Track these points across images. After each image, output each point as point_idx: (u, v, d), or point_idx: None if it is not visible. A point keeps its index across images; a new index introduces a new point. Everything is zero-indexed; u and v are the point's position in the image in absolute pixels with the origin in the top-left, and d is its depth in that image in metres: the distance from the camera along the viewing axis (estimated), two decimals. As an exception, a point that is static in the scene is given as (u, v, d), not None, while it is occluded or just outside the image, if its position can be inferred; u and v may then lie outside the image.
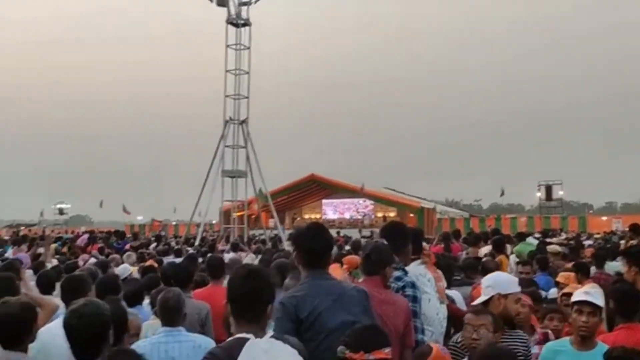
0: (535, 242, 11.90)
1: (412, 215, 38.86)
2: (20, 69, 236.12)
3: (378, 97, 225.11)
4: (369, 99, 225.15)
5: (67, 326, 2.42)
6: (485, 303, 3.29)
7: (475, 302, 3.44)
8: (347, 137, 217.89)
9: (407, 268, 3.79)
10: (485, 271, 6.11)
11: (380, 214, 41.26)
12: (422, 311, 3.67)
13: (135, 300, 4.59)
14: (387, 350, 2.27)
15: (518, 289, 3.42)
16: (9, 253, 10.78)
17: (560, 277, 5.59)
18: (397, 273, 3.57)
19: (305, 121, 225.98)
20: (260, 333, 2.20)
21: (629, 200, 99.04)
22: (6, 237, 22.39)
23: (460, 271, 6.14)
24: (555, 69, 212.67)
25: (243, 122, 22.09)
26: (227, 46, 22.41)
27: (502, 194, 42.64)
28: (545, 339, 3.67)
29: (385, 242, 3.54)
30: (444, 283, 4.18)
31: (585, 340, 3.22)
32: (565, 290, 4.65)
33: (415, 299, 3.47)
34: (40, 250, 8.11)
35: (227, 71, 22.38)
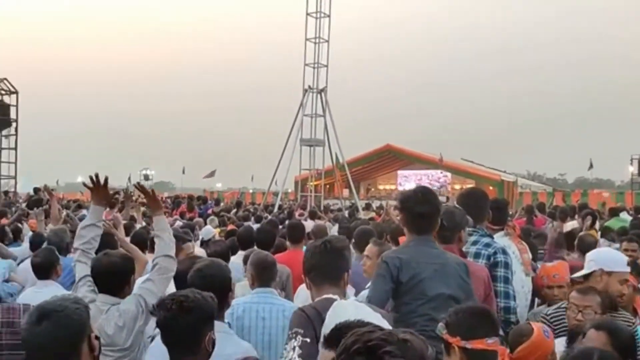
0: (629, 218, 11.29)
1: (491, 188, 37.71)
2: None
3: (459, 65, 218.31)
4: (448, 67, 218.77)
5: (191, 284, 2.59)
6: (586, 278, 3.12)
7: (576, 275, 3.26)
8: (425, 107, 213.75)
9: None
10: (583, 246, 5.88)
11: (457, 186, 40.40)
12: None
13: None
14: (492, 341, 2.09)
15: (626, 268, 3.19)
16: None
17: None
18: (485, 239, 3.51)
19: (384, 90, 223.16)
20: (342, 297, 2.33)
21: None
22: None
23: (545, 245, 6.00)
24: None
25: (322, 91, 22.06)
26: (308, 14, 22.34)
27: (591, 166, 40.27)
28: None
29: (457, 206, 3.46)
30: (529, 255, 4.07)
31: None
32: None
33: (507, 265, 3.41)
34: (132, 213, 8.55)
35: (307, 39, 22.38)
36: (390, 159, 41.61)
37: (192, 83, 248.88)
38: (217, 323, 2.27)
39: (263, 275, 3.52)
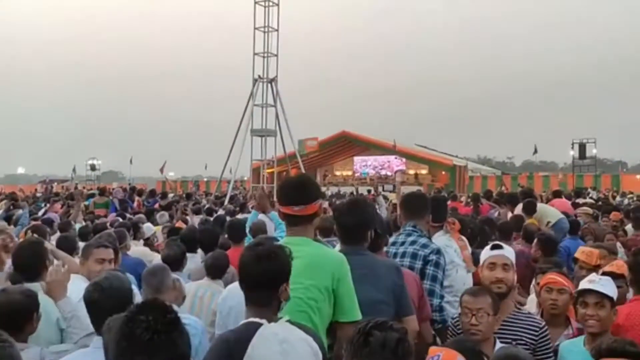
0: (568, 202, 11.72)
1: (444, 173, 38.51)
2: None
3: (409, 50, 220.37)
4: (401, 53, 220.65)
5: (88, 300, 2.43)
6: None
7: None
8: (380, 93, 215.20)
9: (432, 239, 3.76)
10: (527, 234, 6.04)
11: (412, 172, 40.99)
12: (450, 282, 3.70)
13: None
14: None
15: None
16: (43, 210, 11.11)
17: (580, 253, 4.34)
18: (422, 240, 3.55)
19: (338, 77, 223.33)
20: (273, 317, 2.11)
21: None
22: (39, 194, 23.11)
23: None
24: (591, 28, 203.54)
25: (272, 80, 21.91)
26: (256, 2, 22.05)
27: (535, 151, 41.68)
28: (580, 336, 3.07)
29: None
30: (469, 251, 4.13)
31: (595, 338, 2.71)
32: (607, 268, 3.70)
33: (437, 265, 3.44)
34: (73, 210, 8.28)
35: (255, 28, 22.12)
36: (346, 145, 41.73)
37: (139, 69, 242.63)
38: None
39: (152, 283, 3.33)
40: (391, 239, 3.80)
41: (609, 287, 2.87)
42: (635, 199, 18.23)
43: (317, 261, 2.58)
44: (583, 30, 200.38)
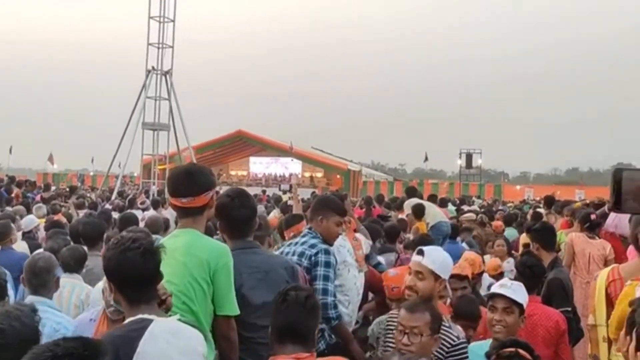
0: (453, 208, 12.34)
1: (338, 176, 39.30)
2: None
3: (309, 59, 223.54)
4: (300, 58, 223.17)
5: None
6: None
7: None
8: (279, 95, 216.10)
9: None
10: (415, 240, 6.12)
11: (307, 174, 41.43)
12: (341, 282, 3.69)
13: None
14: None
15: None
16: None
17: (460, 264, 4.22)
18: (312, 240, 3.54)
19: (237, 76, 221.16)
20: (159, 313, 2.04)
21: (541, 170, 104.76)
22: None
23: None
24: (478, 48, 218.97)
25: (167, 73, 21.10)
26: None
27: (426, 159, 43.97)
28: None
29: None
30: (362, 251, 4.15)
31: None
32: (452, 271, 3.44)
33: (327, 264, 3.42)
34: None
35: (150, 17, 21.19)
36: (242, 144, 41.35)
37: (25, 60, 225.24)
38: None
39: (32, 282, 3.17)
40: (290, 240, 3.84)
41: (519, 293, 2.85)
42: (513, 208, 19.50)
43: (193, 252, 2.52)
44: (469, 49, 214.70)
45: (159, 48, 21.15)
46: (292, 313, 2.15)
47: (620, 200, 1.13)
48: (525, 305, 2.87)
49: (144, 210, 10.71)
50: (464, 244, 6.80)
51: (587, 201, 10.12)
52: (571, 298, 4.18)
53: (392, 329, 2.78)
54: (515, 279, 3.49)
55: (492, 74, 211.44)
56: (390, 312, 3.13)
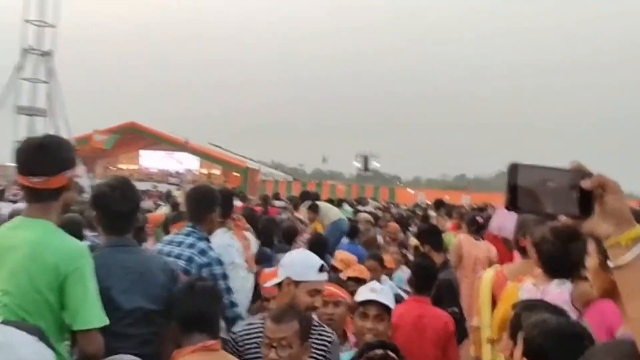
0: (350, 209, 12.32)
1: (236, 174, 38.62)
2: None
3: (213, 51, 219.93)
4: (204, 50, 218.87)
5: None
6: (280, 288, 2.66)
7: (269, 284, 2.80)
8: (172, 88, 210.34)
9: (213, 237, 3.44)
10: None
11: (204, 171, 40.41)
12: (232, 284, 3.43)
13: None
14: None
15: (318, 277, 2.57)
16: None
17: (337, 262, 4.18)
18: (201, 244, 3.20)
19: (128, 63, 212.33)
20: None
21: (433, 175, 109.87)
22: None
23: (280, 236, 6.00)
24: (388, 42, 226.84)
25: (46, 53, 19.32)
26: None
27: (324, 160, 44.52)
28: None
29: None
30: (252, 251, 4.07)
31: None
32: (350, 273, 3.70)
33: (225, 277, 3.24)
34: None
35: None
36: (134, 137, 39.37)
37: None
38: None
39: None
40: (167, 237, 3.55)
41: (390, 298, 2.80)
42: (407, 210, 19.89)
43: (40, 254, 2.12)
44: (381, 45, 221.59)
45: (38, 26, 19.25)
46: (200, 301, 2.27)
47: (515, 198, 1.00)
48: (392, 309, 2.83)
49: (14, 202, 9.63)
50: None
51: (474, 206, 10.64)
52: (459, 298, 4.40)
53: (250, 338, 2.55)
54: (409, 280, 3.62)
55: (388, 84, 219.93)
56: (251, 318, 2.92)
